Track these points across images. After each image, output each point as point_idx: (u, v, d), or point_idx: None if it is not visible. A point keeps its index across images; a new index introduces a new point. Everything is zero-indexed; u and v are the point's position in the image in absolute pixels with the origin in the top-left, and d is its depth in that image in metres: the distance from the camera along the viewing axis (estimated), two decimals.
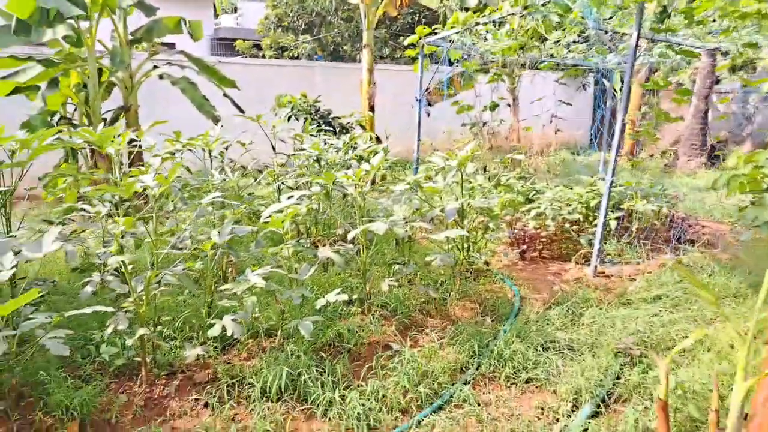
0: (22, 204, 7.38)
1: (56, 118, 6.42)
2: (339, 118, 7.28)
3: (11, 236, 3.17)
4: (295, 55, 15.73)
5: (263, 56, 16.16)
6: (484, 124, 8.44)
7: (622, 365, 3.32)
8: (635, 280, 4.78)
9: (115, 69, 6.42)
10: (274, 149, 4.85)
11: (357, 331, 3.54)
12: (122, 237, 3.30)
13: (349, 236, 3.35)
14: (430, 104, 10.87)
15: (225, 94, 7.26)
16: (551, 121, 10.93)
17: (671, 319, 3.90)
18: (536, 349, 3.45)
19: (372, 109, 9.10)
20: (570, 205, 5.53)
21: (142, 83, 7.06)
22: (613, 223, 5.43)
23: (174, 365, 3.14)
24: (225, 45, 19.81)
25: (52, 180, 4.99)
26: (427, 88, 9.12)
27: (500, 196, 5.07)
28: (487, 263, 4.85)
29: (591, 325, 3.85)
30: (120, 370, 3.07)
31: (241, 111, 7.07)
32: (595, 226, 5.39)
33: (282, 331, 3.39)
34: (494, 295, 4.38)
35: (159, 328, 3.27)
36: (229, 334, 2.78)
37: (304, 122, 6.93)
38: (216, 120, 6.63)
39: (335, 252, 3.46)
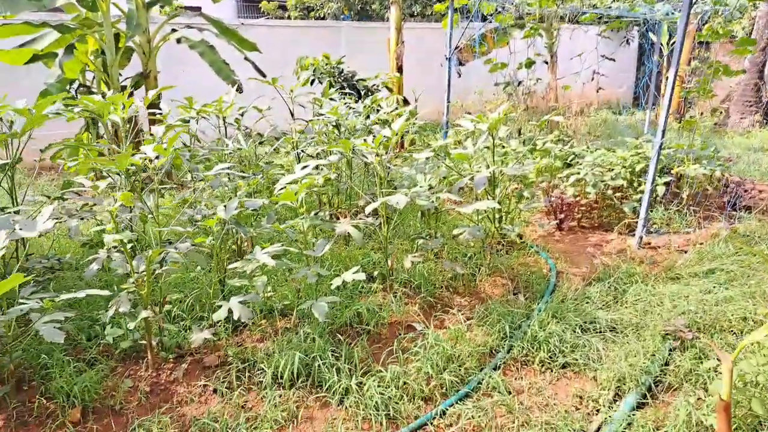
0: (44, 176, 7.36)
1: (75, 85, 6.27)
2: (364, 80, 6.90)
3: (15, 211, 3.02)
4: (321, 16, 15.22)
5: (288, 17, 15.70)
6: (519, 83, 7.90)
7: (671, 350, 2.99)
8: (685, 251, 4.36)
9: (132, 33, 6.18)
10: (292, 115, 4.57)
11: (377, 311, 3.30)
12: (130, 211, 3.12)
13: (367, 209, 3.07)
14: (461, 63, 10.31)
15: (246, 58, 6.96)
16: (592, 79, 10.23)
17: (726, 296, 3.51)
18: (574, 331, 3.14)
19: (400, 69, 8.66)
20: (612, 170, 5.08)
21: (160, 48, 6.82)
22: (660, 189, 4.98)
23: (182, 347, 2.97)
24: (251, 7, 19.36)
25: (67, 151, 4.86)
26: (458, 46, 8.58)
27: (536, 161, 4.67)
28: (520, 236, 4.51)
29: (636, 304, 3.50)
30: (126, 353, 2.93)
31: (263, 75, 6.77)
32: (640, 192, 4.96)
33: (297, 311, 3.18)
34: (528, 270, 4.06)
35: (167, 307, 3.10)
36: (235, 317, 2.57)
37: (330, 85, 6.60)
38: (235, 84, 6.36)
39: (354, 226, 3.20)
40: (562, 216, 4.97)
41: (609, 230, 4.99)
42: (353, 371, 2.75)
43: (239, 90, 6.56)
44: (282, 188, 3.16)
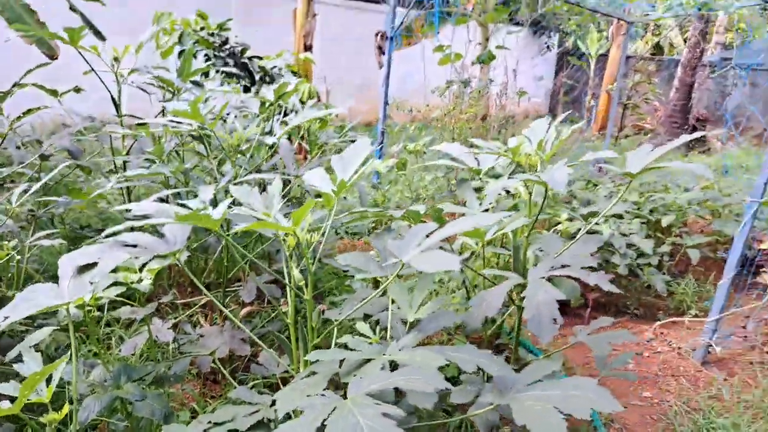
0: None
1: None
2: (260, 58, 4.72)
3: None
4: None
5: None
6: (466, 82, 6.15)
7: None
8: None
9: None
10: (116, 106, 2.32)
11: None
12: None
13: None
14: (382, 52, 8.48)
15: (72, 7, 4.42)
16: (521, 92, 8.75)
17: None
18: None
19: (309, 49, 6.52)
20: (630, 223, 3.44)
21: None
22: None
23: None
24: None
25: None
26: (381, 32, 6.72)
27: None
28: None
29: None
30: None
31: (101, 38, 4.31)
32: (658, 255, 3.39)
33: None
34: None
35: None
36: None
37: (206, 61, 4.33)
38: (44, 46, 3.87)
39: None
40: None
41: (624, 312, 3.36)
42: None
43: (52, 56, 4.09)
44: None
